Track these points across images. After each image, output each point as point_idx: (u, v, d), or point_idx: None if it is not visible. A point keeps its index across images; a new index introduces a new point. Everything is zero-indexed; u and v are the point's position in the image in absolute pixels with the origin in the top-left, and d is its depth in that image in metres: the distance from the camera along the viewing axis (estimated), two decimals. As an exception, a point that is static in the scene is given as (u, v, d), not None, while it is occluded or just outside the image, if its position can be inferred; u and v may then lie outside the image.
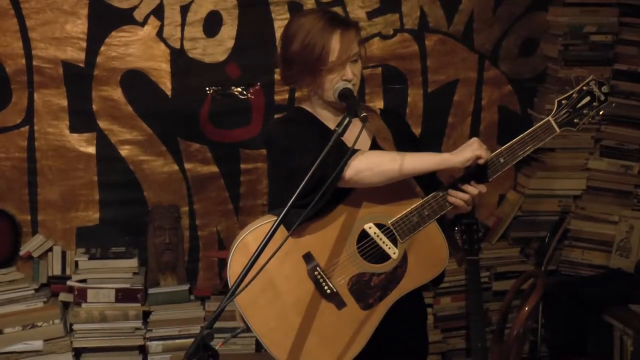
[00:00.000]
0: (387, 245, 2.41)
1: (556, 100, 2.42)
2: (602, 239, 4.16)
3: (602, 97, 2.42)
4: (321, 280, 2.39)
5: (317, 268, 2.39)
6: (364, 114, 2.26)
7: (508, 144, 2.42)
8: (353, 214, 2.40)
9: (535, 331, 3.94)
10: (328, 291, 2.39)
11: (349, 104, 2.33)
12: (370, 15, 3.91)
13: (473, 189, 2.39)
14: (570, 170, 4.15)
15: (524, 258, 4.21)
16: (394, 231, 2.40)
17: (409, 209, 2.39)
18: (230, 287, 2.33)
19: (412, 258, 2.42)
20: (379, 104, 3.99)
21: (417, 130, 4.07)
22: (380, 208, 2.41)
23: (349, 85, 2.38)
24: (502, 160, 2.42)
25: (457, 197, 2.38)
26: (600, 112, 2.43)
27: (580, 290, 3.99)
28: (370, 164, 2.32)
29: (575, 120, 2.41)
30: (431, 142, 4.08)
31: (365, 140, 2.51)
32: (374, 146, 2.52)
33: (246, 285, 2.07)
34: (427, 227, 2.40)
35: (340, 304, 2.40)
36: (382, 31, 3.94)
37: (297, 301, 2.39)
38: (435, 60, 4.03)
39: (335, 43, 2.38)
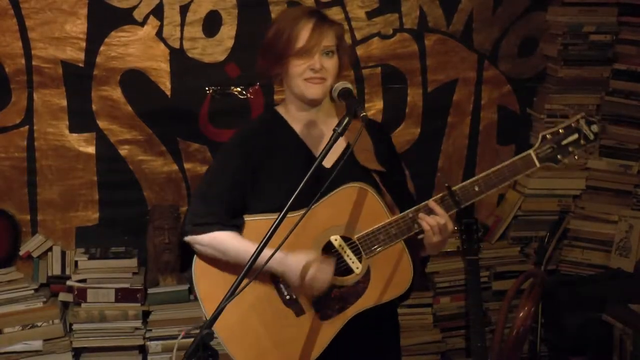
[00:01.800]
0: (351, 259, 2.38)
1: (540, 135, 2.37)
2: (601, 239, 4.16)
3: (591, 136, 2.34)
4: (282, 285, 2.40)
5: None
6: (364, 113, 2.25)
7: (484, 173, 2.35)
8: (321, 223, 2.38)
9: (535, 331, 3.93)
10: (287, 297, 2.40)
11: (349, 103, 2.32)
12: (370, 15, 3.91)
13: (439, 218, 2.33)
14: (569, 169, 4.15)
15: (523, 258, 4.20)
16: (359, 246, 2.37)
17: (377, 225, 2.36)
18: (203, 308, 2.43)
19: (375, 275, 2.38)
20: (378, 104, 3.99)
21: (416, 130, 4.07)
22: (349, 221, 2.38)
23: (348, 85, 2.37)
24: (476, 189, 2.34)
25: (424, 220, 2.34)
26: (588, 152, 2.40)
27: (580, 289, 3.99)
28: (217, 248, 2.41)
29: (558, 157, 2.35)
30: (431, 142, 4.08)
31: (335, 146, 2.35)
32: (346, 154, 2.43)
33: (245, 286, 2.08)
34: (394, 246, 2.36)
35: (299, 311, 2.40)
36: (382, 31, 3.94)
37: (257, 302, 2.40)
38: (434, 60, 4.03)
39: (304, 31, 2.37)
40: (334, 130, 2.23)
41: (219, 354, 2.05)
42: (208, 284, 2.44)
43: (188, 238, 2.45)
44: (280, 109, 2.54)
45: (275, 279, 2.41)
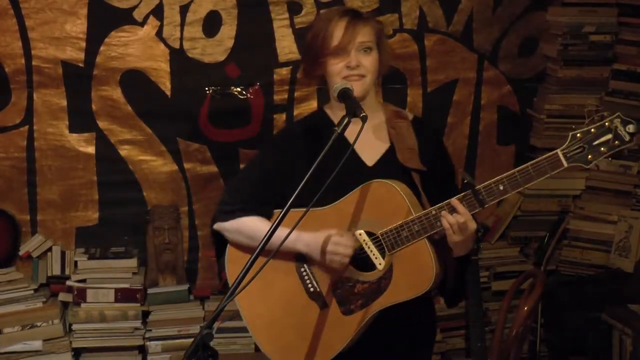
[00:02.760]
0: (374, 254, 2.37)
1: (570, 133, 2.20)
2: (601, 239, 4.16)
3: (627, 137, 2.16)
4: (306, 277, 2.42)
5: (304, 265, 2.42)
6: (364, 113, 2.25)
7: (510, 172, 2.26)
8: (347, 217, 2.39)
9: (535, 331, 3.94)
10: (312, 289, 2.41)
11: (348, 104, 2.31)
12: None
13: (460, 216, 2.27)
14: (569, 169, 4.12)
15: (523, 258, 4.21)
16: (383, 242, 2.36)
17: (400, 222, 2.34)
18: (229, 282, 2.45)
19: (397, 272, 2.36)
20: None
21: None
22: (374, 216, 2.37)
23: (348, 85, 2.37)
24: (501, 188, 2.26)
25: (444, 219, 2.29)
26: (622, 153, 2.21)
27: (580, 290, 3.99)
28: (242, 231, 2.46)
29: (589, 157, 2.19)
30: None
31: (378, 145, 2.43)
32: (389, 153, 2.47)
33: (245, 286, 2.08)
34: (417, 244, 2.33)
35: (322, 304, 2.41)
36: (382, 31, 3.94)
37: (283, 293, 2.43)
38: (434, 60, 4.03)
39: (338, 30, 2.39)
40: (334, 130, 2.23)
41: (218, 354, 2.04)
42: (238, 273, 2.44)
43: (216, 226, 2.50)
44: (327, 108, 2.56)
45: (299, 271, 2.43)
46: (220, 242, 2.54)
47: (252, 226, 2.44)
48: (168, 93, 3.83)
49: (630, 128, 2.17)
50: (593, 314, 3.82)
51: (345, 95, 2.35)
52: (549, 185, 4.14)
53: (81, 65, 3.74)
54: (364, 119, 2.24)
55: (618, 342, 3.74)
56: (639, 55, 4.04)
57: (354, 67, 2.38)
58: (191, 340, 2.05)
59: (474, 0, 3.99)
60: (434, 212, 2.32)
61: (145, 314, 3.84)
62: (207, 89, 3.84)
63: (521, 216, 4.20)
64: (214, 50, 3.82)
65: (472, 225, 2.31)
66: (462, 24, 4.02)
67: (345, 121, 2.24)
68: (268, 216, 2.46)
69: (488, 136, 4.17)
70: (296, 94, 3.88)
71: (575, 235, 4.20)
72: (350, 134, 2.31)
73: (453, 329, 4.09)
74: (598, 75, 4.08)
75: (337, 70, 2.40)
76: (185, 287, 3.91)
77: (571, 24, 4.00)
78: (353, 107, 2.28)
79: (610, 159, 2.21)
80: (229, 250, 2.51)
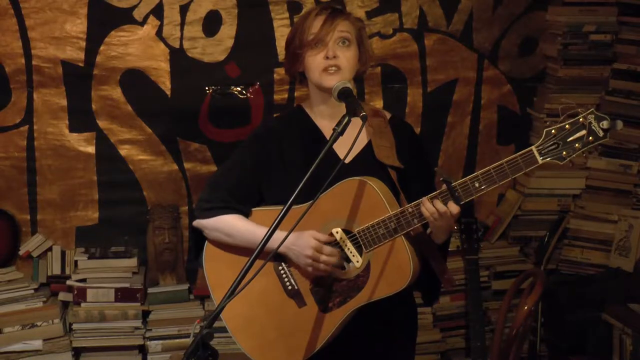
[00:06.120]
0: (351, 252, 2.38)
1: (545, 130, 2.22)
2: (601, 238, 4.16)
3: (600, 133, 2.17)
4: (284, 275, 2.43)
5: (282, 263, 2.44)
6: (364, 113, 2.25)
7: (485, 169, 2.27)
8: (324, 214, 2.39)
9: (535, 330, 3.94)
10: (289, 287, 2.43)
11: (349, 103, 2.31)
12: (370, 14, 3.91)
13: (441, 205, 2.28)
14: (569, 169, 4.14)
15: (523, 257, 4.21)
16: (360, 240, 2.37)
17: (377, 219, 2.34)
18: (210, 290, 2.50)
19: (375, 270, 2.37)
20: (378, 104, 3.99)
21: (416, 130, 4.06)
22: (351, 214, 2.38)
23: (348, 85, 2.37)
24: (477, 185, 2.25)
25: (425, 207, 2.29)
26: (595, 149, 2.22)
27: (580, 289, 3.99)
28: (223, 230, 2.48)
29: (563, 154, 2.20)
30: (430, 141, 4.08)
31: (359, 142, 2.41)
32: (367, 150, 2.49)
33: (246, 285, 2.08)
34: (394, 241, 2.34)
35: (300, 302, 2.43)
36: (382, 31, 3.94)
37: (261, 292, 2.44)
38: (434, 60, 4.03)
39: (316, 23, 2.41)
40: (334, 129, 2.23)
41: (218, 354, 2.04)
42: (217, 271, 2.49)
43: (195, 223, 2.52)
44: (305, 105, 2.57)
45: (277, 270, 2.44)
46: (197, 240, 2.56)
47: (231, 223, 2.46)
48: (168, 93, 3.83)
49: (604, 124, 2.17)
50: (593, 314, 3.82)
51: (345, 95, 2.35)
52: (549, 184, 4.14)
53: (81, 65, 3.75)
54: (364, 119, 2.24)
55: (618, 342, 3.74)
56: (639, 54, 4.04)
57: (331, 57, 2.39)
58: (191, 339, 2.05)
59: (474, -1, 4.00)
60: (410, 210, 2.33)
61: (146, 314, 3.84)
62: (207, 88, 3.84)
63: (521, 216, 4.19)
64: (214, 49, 3.82)
65: (454, 210, 2.29)
66: (462, 24, 4.02)
67: (346, 120, 2.24)
68: (246, 213, 2.49)
69: (488, 136, 4.17)
70: (296, 94, 3.88)
71: (575, 234, 4.20)
72: (327, 130, 2.37)
73: (453, 329, 4.09)
74: (598, 75, 4.08)
75: (316, 63, 2.41)
76: (185, 286, 3.91)
77: (571, 23, 4.00)
78: (353, 106, 2.28)
79: (584, 154, 2.20)
80: (207, 248, 2.53)
